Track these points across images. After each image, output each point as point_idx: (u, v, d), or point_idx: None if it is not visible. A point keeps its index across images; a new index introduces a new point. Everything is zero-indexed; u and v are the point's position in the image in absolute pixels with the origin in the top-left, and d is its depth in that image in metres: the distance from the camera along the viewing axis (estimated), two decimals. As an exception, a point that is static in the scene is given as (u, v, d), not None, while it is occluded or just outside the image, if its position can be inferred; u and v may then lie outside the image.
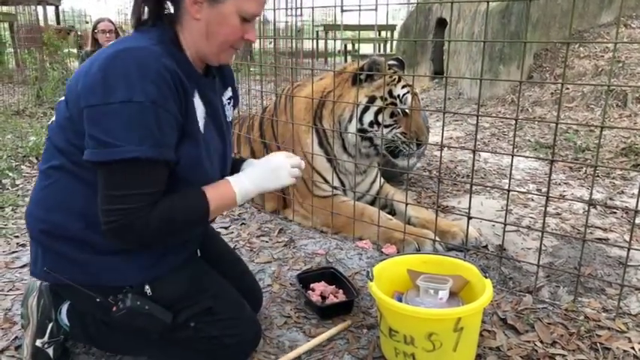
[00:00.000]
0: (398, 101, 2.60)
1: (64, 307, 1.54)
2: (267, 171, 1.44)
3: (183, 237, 1.38)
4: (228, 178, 1.40)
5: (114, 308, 1.31)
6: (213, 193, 1.33)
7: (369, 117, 2.57)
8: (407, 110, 2.60)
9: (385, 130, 2.59)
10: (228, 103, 1.54)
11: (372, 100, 2.56)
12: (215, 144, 1.40)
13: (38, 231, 1.34)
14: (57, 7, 13.90)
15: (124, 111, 1.14)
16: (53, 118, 1.34)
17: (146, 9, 1.30)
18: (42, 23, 10.74)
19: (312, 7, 2.81)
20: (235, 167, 1.54)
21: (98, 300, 1.31)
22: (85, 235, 1.29)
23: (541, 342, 1.66)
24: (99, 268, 1.32)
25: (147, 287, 1.35)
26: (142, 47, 1.19)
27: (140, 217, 1.19)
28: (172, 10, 1.29)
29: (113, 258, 1.31)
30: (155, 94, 1.15)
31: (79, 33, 11.04)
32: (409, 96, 2.62)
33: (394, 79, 2.64)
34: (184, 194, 1.30)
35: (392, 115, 2.59)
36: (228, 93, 1.55)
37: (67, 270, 1.32)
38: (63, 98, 1.32)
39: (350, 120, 2.59)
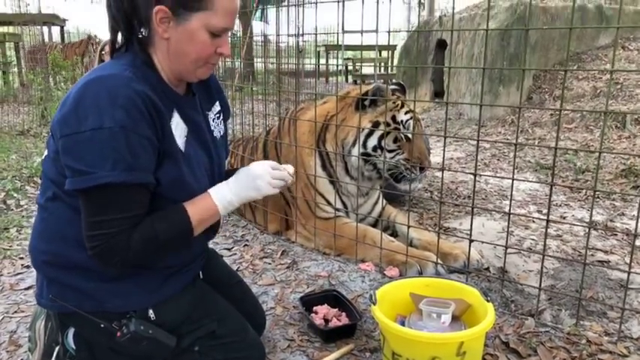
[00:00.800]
0: (401, 127, 2.65)
1: (71, 331, 1.54)
2: (248, 180, 1.43)
3: (169, 253, 1.37)
4: (209, 190, 1.39)
5: (118, 334, 1.32)
6: (194, 207, 1.33)
7: (372, 142, 2.61)
8: (409, 135, 2.64)
9: (389, 155, 2.63)
10: (217, 117, 1.55)
11: (375, 125, 2.60)
12: (199, 159, 1.41)
13: (41, 262, 1.36)
14: (62, 28, 14.10)
15: (95, 138, 1.15)
16: (46, 152, 1.37)
17: (119, 35, 1.32)
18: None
19: (315, 33, 2.86)
20: (228, 177, 1.55)
21: (102, 326, 1.33)
22: (87, 262, 1.30)
23: (543, 366, 1.66)
24: (103, 294, 1.33)
25: (150, 312, 1.36)
26: (112, 75, 1.21)
27: (121, 240, 1.21)
28: (145, 33, 1.30)
29: (117, 284, 1.33)
30: (124, 119, 1.16)
31: (97, 39, 11.03)
32: (412, 122, 2.67)
33: (397, 105, 2.69)
34: (165, 212, 1.30)
35: (395, 140, 2.64)
36: (217, 107, 1.55)
37: (71, 298, 1.33)
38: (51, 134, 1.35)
39: (354, 144, 2.63)
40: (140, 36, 1.29)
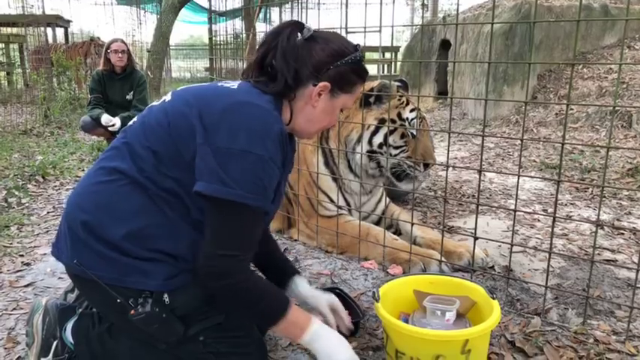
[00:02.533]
0: (407, 124, 2.63)
1: (69, 325, 1.53)
2: (335, 351, 1.39)
3: (239, 312, 1.41)
4: (314, 318, 1.42)
5: (132, 311, 1.32)
6: (295, 313, 1.38)
7: (378, 139, 2.59)
8: (415, 133, 2.63)
9: (395, 152, 2.61)
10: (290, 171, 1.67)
11: (381, 122, 2.58)
12: (279, 199, 1.50)
13: (80, 222, 1.34)
14: (66, 29, 14.14)
15: (244, 158, 1.23)
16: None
17: (283, 81, 1.36)
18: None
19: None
20: (279, 269, 1.72)
21: (119, 301, 1.32)
22: (121, 243, 1.31)
23: (550, 365, 1.63)
24: (126, 268, 1.32)
25: (166, 296, 1.36)
26: (265, 108, 1.31)
27: (240, 268, 1.28)
28: (292, 86, 1.39)
29: (142, 262, 1.33)
30: (272, 151, 1.27)
31: (100, 41, 11.07)
32: (418, 119, 2.65)
33: (403, 102, 2.68)
34: (279, 291, 1.42)
35: (402, 136, 2.62)
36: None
37: (94, 266, 1.32)
38: (158, 103, 1.40)
39: (359, 141, 2.60)
40: (287, 86, 1.37)
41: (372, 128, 2.59)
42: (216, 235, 1.27)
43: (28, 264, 2.48)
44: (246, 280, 1.30)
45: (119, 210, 1.32)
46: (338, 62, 1.37)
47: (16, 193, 3.67)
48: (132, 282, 1.33)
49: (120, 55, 4.77)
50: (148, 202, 1.32)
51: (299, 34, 1.37)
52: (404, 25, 8.42)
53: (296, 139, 1.64)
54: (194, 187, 1.26)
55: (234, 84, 1.41)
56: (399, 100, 2.70)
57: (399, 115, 2.65)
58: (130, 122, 1.44)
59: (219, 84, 1.42)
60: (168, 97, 1.41)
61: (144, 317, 1.32)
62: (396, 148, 2.62)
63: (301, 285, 1.69)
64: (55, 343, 1.50)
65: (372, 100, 2.62)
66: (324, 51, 1.37)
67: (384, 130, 2.57)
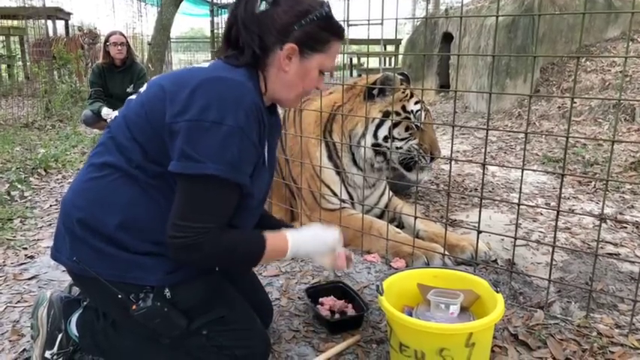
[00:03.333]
0: (412, 116, 2.63)
1: (74, 318, 1.53)
2: (320, 242, 1.51)
3: (228, 268, 1.44)
4: (287, 233, 1.46)
5: (134, 307, 1.32)
6: (272, 241, 1.39)
7: (383, 131, 2.59)
8: (420, 125, 2.63)
9: (400, 143, 2.62)
10: (276, 144, 1.63)
11: (386, 115, 2.58)
12: (267, 178, 1.48)
13: (76, 220, 1.34)
14: (66, 22, 14.08)
15: (213, 130, 1.21)
16: (116, 113, 1.39)
17: (250, 52, 1.35)
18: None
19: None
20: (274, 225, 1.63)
21: (120, 296, 1.32)
22: (117, 234, 1.32)
23: (553, 358, 1.63)
24: (126, 264, 1.33)
25: (167, 290, 1.36)
26: (238, 80, 1.28)
27: (210, 240, 1.25)
28: (260, 55, 1.36)
29: (141, 257, 1.33)
30: (244, 122, 1.23)
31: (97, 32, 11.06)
32: (422, 112, 2.65)
33: (407, 95, 2.67)
34: (247, 233, 1.42)
35: (407, 128, 2.63)
36: (278, 135, 1.63)
37: (94, 263, 1.32)
38: (135, 97, 1.39)
39: (364, 135, 2.60)
40: (256, 56, 1.35)
41: (377, 121, 2.59)
42: (181, 207, 1.25)
43: (31, 257, 2.49)
44: (215, 249, 1.27)
45: (111, 203, 1.32)
46: (302, 21, 1.32)
47: (19, 186, 3.67)
48: (132, 278, 1.33)
49: (119, 47, 4.75)
50: (140, 193, 1.32)
51: (260, 1, 1.33)
52: (406, 18, 8.38)
53: (280, 112, 1.61)
54: (169, 167, 1.24)
55: (206, 64, 1.39)
56: (403, 92, 2.69)
57: (404, 107, 2.65)
58: (115, 117, 1.44)
59: (193, 65, 1.41)
60: (143, 88, 1.40)
61: (145, 312, 1.32)
62: (402, 140, 2.63)
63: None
64: (60, 335, 1.51)
65: (375, 92, 2.61)
66: (287, 13, 1.32)
67: (388, 123, 2.57)
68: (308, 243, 1.48)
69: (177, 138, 1.23)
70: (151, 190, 1.32)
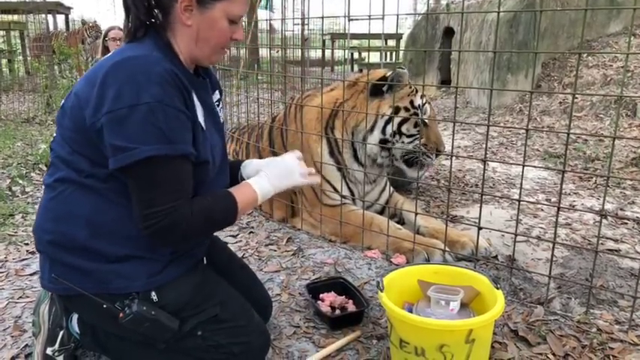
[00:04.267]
0: (419, 111, 2.64)
1: (75, 315, 1.54)
2: (283, 171, 1.54)
3: (211, 234, 1.43)
4: (248, 180, 1.48)
5: (121, 314, 1.31)
6: (239, 194, 1.40)
7: (392, 127, 2.60)
8: (426, 120, 2.63)
9: (408, 140, 2.63)
10: (218, 105, 1.59)
11: (396, 110, 2.58)
12: (215, 141, 1.44)
13: (46, 242, 1.35)
14: (67, 16, 14.05)
15: (133, 114, 1.18)
16: (54, 134, 1.39)
17: (137, 21, 1.32)
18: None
19: (322, 17, 2.81)
20: (234, 168, 1.63)
21: (105, 306, 1.32)
22: (91, 243, 1.31)
23: (553, 354, 1.64)
24: (106, 275, 1.32)
25: (153, 294, 1.36)
26: (141, 55, 1.24)
27: (180, 216, 1.23)
28: (161, 18, 1.33)
29: (121, 265, 1.32)
30: (161, 94, 1.19)
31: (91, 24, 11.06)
32: (428, 106, 2.66)
33: (413, 90, 2.68)
34: (214, 195, 1.38)
35: (415, 125, 2.63)
36: (217, 95, 1.59)
37: (76, 279, 1.32)
38: (60, 111, 1.36)
39: (371, 131, 2.60)
40: (158, 22, 1.32)
41: (386, 117, 2.59)
42: (137, 197, 1.23)
43: (33, 252, 2.49)
44: (191, 221, 1.25)
45: (75, 216, 1.31)
46: None
47: (20, 181, 3.68)
48: (115, 287, 1.33)
49: (118, 42, 4.73)
50: (99, 198, 1.30)
51: None
52: (407, 14, 8.35)
53: (214, 77, 1.59)
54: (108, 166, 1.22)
55: (110, 54, 1.35)
56: (410, 88, 2.70)
57: (412, 102, 2.65)
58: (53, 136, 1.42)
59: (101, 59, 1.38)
60: (63, 101, 1.38)
61: (132, 318, 1.30)
62: (409, 136, 2.64)
63: (248, 167, 1.63)
64: (61, 332, 1.51)
65: (384, 89, 2.61)
66: None
67: (397, 119, 2.58)
68: (273, 179, 1.50)
69: (104, 135, 1.21)
70: (109, 194, 1.30)
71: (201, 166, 1.34)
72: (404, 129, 2.60)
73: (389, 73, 2.62)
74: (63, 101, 1.37)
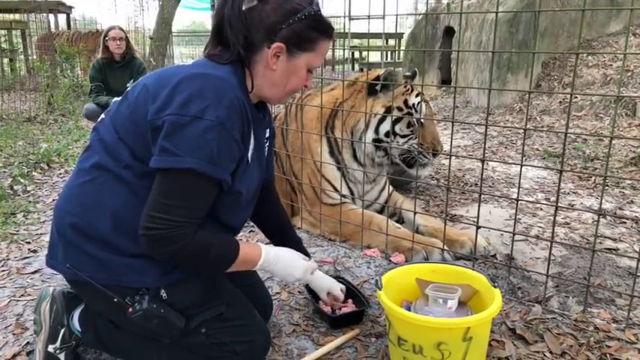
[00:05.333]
0: (413, 110, 2.64)
1: (76, 313, 1.55)
2: (291, 266, 1.55)
3: (196, 270, 1.42)
4: (262, 245, 1.49)
5: (130, 309, 1.33)
6: (245, 250, 1.41)
7: (385, 127, 2.60)
8: (422, 120, 2.64)
9: (402, 140, 2.63)
10: (267, 141, 1.63)
11: (388, 110, 2.59)
12: (255, 175, 1.48)
13: (68, 225, 1.35)
14: (68, 15, 14.08)
15: (193, 125, 1.21)
16: (102, 116, 1.41)
17: (235, 50, 1.35)
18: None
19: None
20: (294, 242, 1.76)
21: (115, 300, 1.34)
22: (111, 236, 1.32)
23: (550, 352, 1.65)
24: (121, 268, 1.34)
25: (163, 291, 1.37)
26: (220, 76, 1.28)
27: (183, 235, 1.24)
28: (244, 53, 1.36)
29: (135, 260, 1.34)
30: (225, 117, 1.23)
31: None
32: (424, 105, 2.66)
33: (408, 89, 2.68)
34: (222, 236, 1.40)
35: (409, 125, 2.63)
36: (267, 133, 1.62)
37: (88, 268, 1.33)
38: (119, 99, 1.40)
39: (366, 130, 2.61)
40: (242, 54, 1.35)
41: (379, 117, 2.60)
42: (156, 199, 1.24)
43: (34, 251, 2.51)
44: (189, 245, 1.26)
45: (102, 206, 1.32)
46: (290, 20, 1.31)
47: (22, 180, 3.69)
48: (128, 281, 1.34)
49: (118, 42, 4.75)
50: (130, 194, 1.32)
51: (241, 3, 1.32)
52: (407, 14, 8.36)
53: (270, 109, 1.63)
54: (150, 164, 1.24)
55: (191, 61, 1.40)
56: (405, 87, 2.71)
57: (406, 102, 2.66)
58: (100, 119, 1.44)
59: (178, 64, 1.42)
60: (129, 89, 1.40)
61: (142, 314, 1.32)
62: (403, 136, 2.64)
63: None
64: (62, 330, 1.52)
65: (378, 88, 2.62)
66: (275, 11, 1.31)
67: (390, 118, 2.58)
68: (279, 265, 1.51)
69: (159, 134, 1.23)
70: (140, 191, 1.31)
71: (234, 196, 1.37)
72: (397, 128, 2.61)
73: (382, 72, 2.63)
74: (130, 87, 1.39)
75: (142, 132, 1.28)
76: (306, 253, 1.76)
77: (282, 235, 1.80)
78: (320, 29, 1.37)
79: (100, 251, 1.33)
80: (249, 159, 1.39)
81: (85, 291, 1.42)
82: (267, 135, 1.61)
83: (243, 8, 1.31)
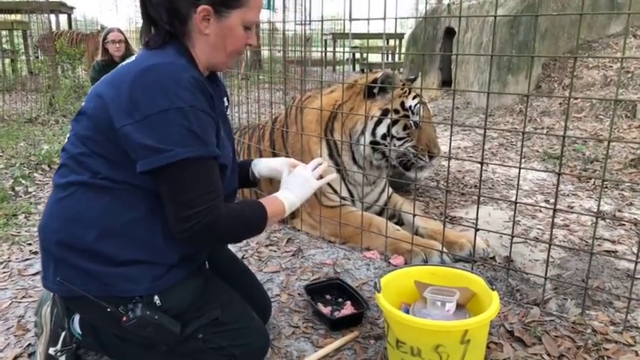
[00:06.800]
0: (410, 113, 2.64)
1: (77, 316, 1.56)
2: (301, 180, 1.63)
3: (245, 238, 1.56)
4: (277, 195, 1.57)
5: (124, 318, 1.33)
6: (269, 204, 1.48)
7: (382, 129, 2.61)
8: (419, 122, 2.64)
9: (398, 143, 2.64)
10: (227, 109, 1.63)
11: (385, 112, 2.59)
12: (227, 147, 1.47)
13: (54, 242, 1.35)
14: (69, 16, 14.10)
15: (167, 118, 1.22)
16: (69, 133, 1.40)
17: (159, 29, 1.35)
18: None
19: (322, 20, 2.83)
20: (244, 167, 1.74)
21: (109, 310, 1.33)
22: (98, 245, 1.32)
23: (548, 355, 1.66)
24: (111, 278, 1.34)
25: (156, 298, 1.37)
26: (168, 62, 1.28)
27: (218, 216, 1.28)
28: (179, 27, 1.36)
29: (126, 269, 1.34)
30: (192, 99, 1.24)
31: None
32: (421, 107, 2.66)
33: (405, 91, 2.69)
34: (246, 202, 1.49)
35: (405, 127, 2.64)
36: (225, 102, 1.62)
37: (80, 281, 1.34)
38: (78, 113, 1.38)
39: (363, 132, 2.62)
40: (177, 30, 1.35)
41: (375, 119, 2.60)
42: (175, 200, 1.25)
43: (35, 252, 2.52)
44: (226, 222, 1.30)
45: (85, 217, 1.32)
46: None
47: (23, 181, 3.71)
48: (120, 290, 1.34)
49: (117, 45, 4.77)
50: (112, 200, 1.31)
51: None
52: (407, 18, 8.37)
53: (220, 77, 1.63)
54: (137, 169, 1.24)
55: (133, 57, 1.38)
56: (402, 89, 2.71)
57: (402, 104, 2.66)
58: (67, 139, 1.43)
59: (122, 64, 1.40)
60: (83, 103, 1.40)
61: (135, 322, 1.32)
62: (400, 139, 2.65)
63: (259, 165, 1.77)
64: (63, 333, 1.53)
65: (375, 91, 2.63)
66: None
67: (387, 121, 2.59)
68: (297, 191, 1.59)
69: (135, 138, 1.23)
70: (122, 194, 1.31)
71: (221, 171, 1.38)
72: (393, 131, 2.61)
73: (379, 75, 2.64)
74: (84, 102, 1.39)
75: (112, 140, 1.27)
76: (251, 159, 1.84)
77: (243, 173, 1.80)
78: None
79: (89, 263, 1.33)
80: (221, 130, 1.41)
81: (79, 305, 1.42)
82: (226, 104, 1.62)
83: None
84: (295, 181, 1.63)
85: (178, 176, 1.24)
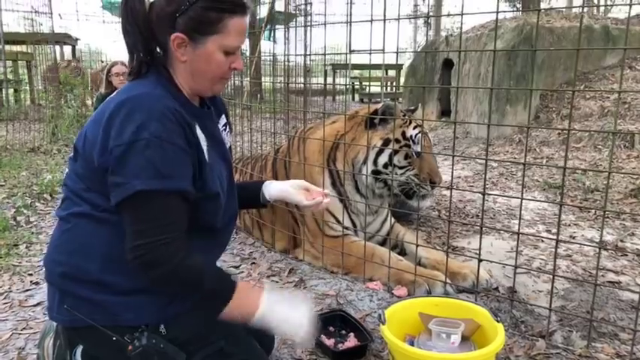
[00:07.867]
0: (411, 142, 2.68)
1: (79, 350, 1.54)
2: (292, 318, 1.41)
3: (190, 295, 1.38)
4: (262, 296, 1.39)
5: (129, 347, 1.32)
6: (243, 291, 1.38)
7: (383, 159, 2.64)
8: (420, 151, 2.68)
9: (400, 172, 2.66)
10: (224, 130, 1.62)
11: (386, 142, 2.62)
12: (220, 169, 1.47)
13: (58, 275, 1.36)
14: (73, 47, 14.32)
15: (132, 150, 1.22)
16: (67, 169, 1.43)
17: (139, 58, 1.37)
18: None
19: (325, 54, 2.89)
20: (255, 189, 1.77)
21: (114, 339, 1.33)
22: (103, 276, 1.33)
23: (555, 388, 1.64)
24: (117, 307, 1.34)
25: (162, 327, 1.37)
26: (143, 93, 1.29)
27: (166, 254, 1.25)
28: (162, 54, 1.38)
29: (131, 298, 1.34)
30: (160, 130, 1.23)
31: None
32: (422, 137, 2.70)
33: (406, 122, 2.73)
34: (221, 270, 1.40)
35: (406, 156, 2.67)
36: (223, 120, 1.62)
37: (85, 311, 1.33)
38: (73, 150, 1.41)
39: (365, 162, 2.65)
40: (159, 58, 1.38)
41: (377, 149, 2.63)
42: (131, 229, 1.25)
43: (37, 283, 2.51)
44: (179, 266, 1.26)
45: (89, 249, 1.33)
46: (182, 7, 1.28)
47: (25, 211, 3.71)
48: (125, 319, 1.34)
49: (121, 78, 4.85)
50: (113, 232, 1.31)
51: (139, 3, 1.32)
52: (405, 51, 8.53)
53: (220, 102, 1.61)
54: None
55: (115, 93, 1.39)
56: (403, 119, 2.75)
57: (404, 134, 2.70)
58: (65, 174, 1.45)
59: (107, 99, 1.40)
60: (75, 142, 1.42)
61: (141, 351, 1.31)
62: (401, 168, 2.67)
63: (270, 186, 1.76)
64: (65, 365, 1.52)
65: (376, 121, 2.67)
66: (169, 3, 1.30)
67: (388, 151, 2.62)
68: (277, 315, 1.39)
69: (110, 171, 1.25)
70: (122, 227, 1.31)
71: (212, 199, 1.37)
72: (395, 160, 2.64)
73: (379, 106, 2.69)
74: (75, 140, 1.41)
75: (99, 178, 1.29)
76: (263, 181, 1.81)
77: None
78: (220, 8, 1.31)
79: (95, 293, 1.33)
80: (207, 157, 1.37)
81: (83, 335, 1.41)
82: (224, 121, 1.61)
83: (142, 13, 1.32)
84: (290, 310, 1.41)
85: (133, 207, 1.25)
